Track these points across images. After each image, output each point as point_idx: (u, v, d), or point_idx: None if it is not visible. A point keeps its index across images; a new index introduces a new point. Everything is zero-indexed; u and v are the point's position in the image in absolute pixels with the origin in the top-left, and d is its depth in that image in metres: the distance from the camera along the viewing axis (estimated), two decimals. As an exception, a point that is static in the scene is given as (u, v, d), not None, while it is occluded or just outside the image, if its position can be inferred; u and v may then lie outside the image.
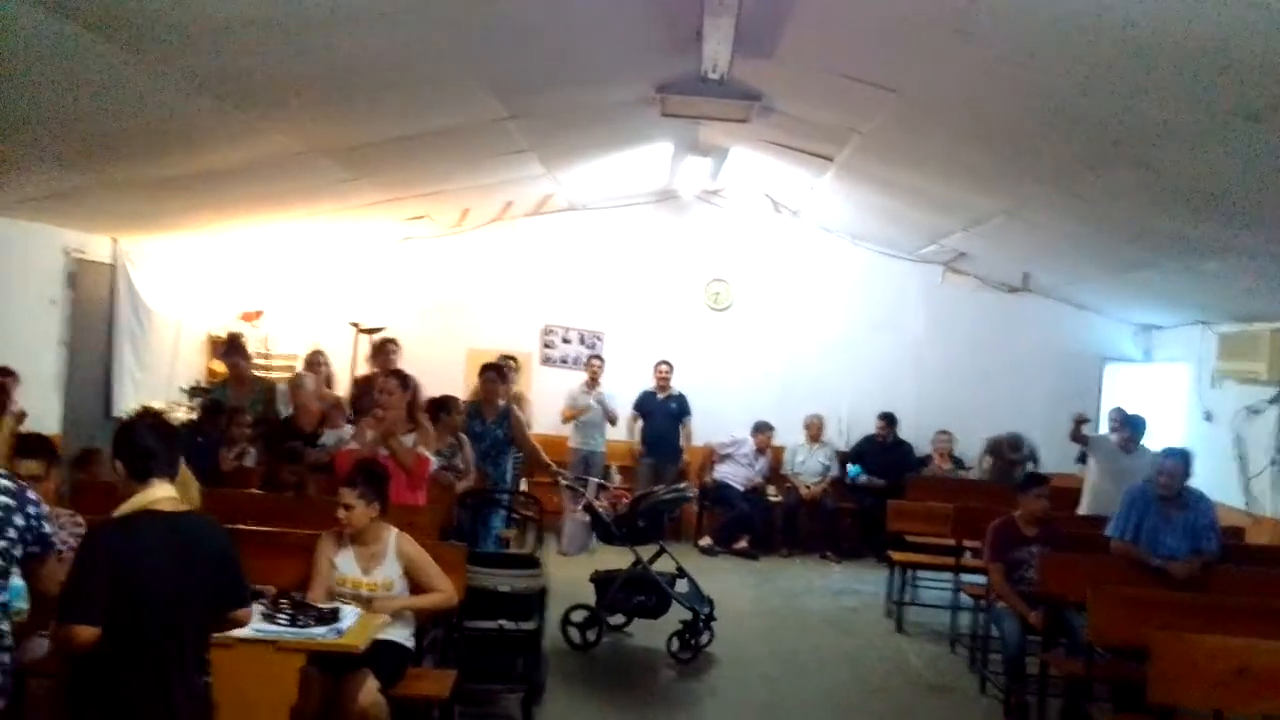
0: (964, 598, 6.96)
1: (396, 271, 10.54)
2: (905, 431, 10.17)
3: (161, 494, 3.03)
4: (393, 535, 4.38)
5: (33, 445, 4.47)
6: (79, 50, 3.79)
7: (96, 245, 8.14)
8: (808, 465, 10.13)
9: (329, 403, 7.54)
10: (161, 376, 9.02)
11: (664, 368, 9.98)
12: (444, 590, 4.40)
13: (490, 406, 7.25)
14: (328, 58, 4.60)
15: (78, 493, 5.20)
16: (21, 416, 6.51)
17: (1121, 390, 9.96)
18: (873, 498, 9.44)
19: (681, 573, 6.74)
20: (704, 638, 6.56)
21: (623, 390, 10.04)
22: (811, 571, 9.39)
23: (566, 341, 10.66)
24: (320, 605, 3.87)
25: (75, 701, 3.04)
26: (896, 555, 7.66)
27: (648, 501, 6.84)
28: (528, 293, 10.63)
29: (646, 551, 6.63)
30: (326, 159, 6.50)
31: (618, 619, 6.80)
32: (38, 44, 3.68)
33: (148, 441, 3.07)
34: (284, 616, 3.65)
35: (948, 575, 7.27)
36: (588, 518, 6.74)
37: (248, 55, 4.32)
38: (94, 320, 8.17)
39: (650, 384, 10.06)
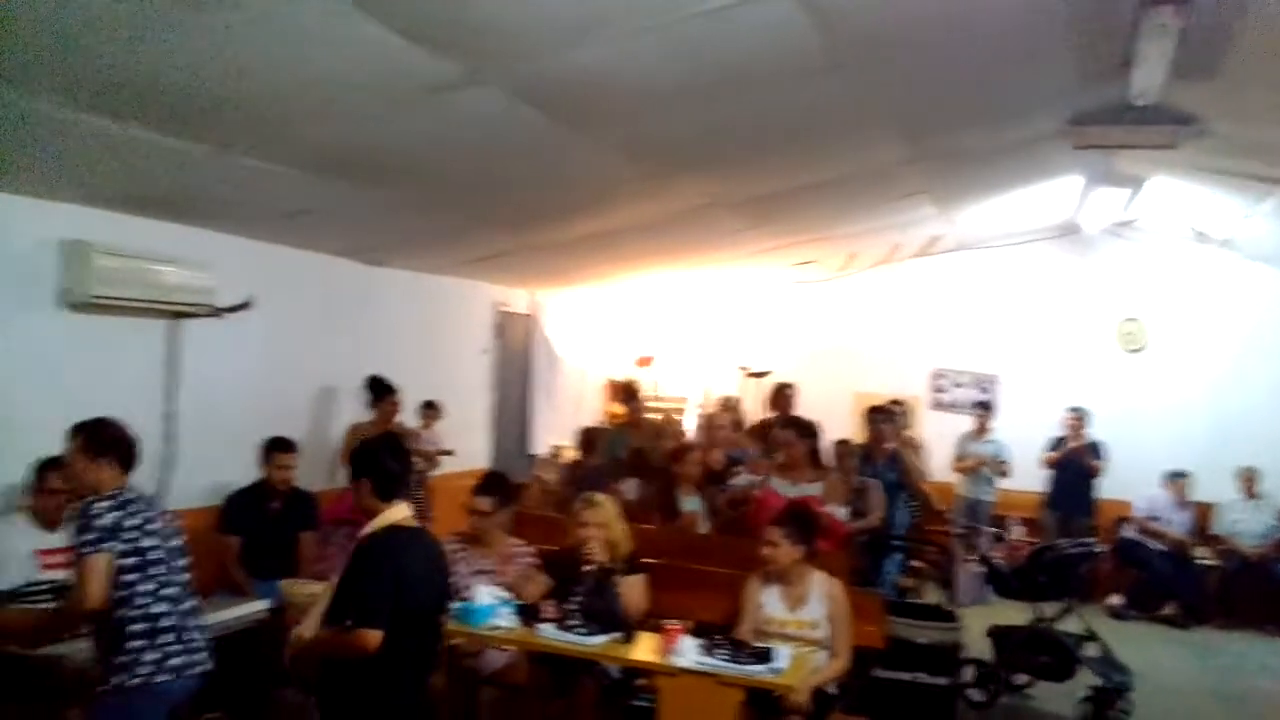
0: None
1: (782, 316, 10.72)
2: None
3: (405, 512, 3.36)
4: (817, 576, 4.39)
5: (487, 483, 4.90)
6: (538, 131, 4.24)
7: (517, 298, 9.06)
8: (1245, 524, 8.91)
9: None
10: (567, 418, 9.81)
11: (1074, 417, 9.24)
12: (843, 657, 4.32)
13: (880, 450, 7.14)
14: (737, 117, 4.77)
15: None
16: (442, 454, 7.20)
17: None
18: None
19: (1092, 635, 6.18)
20: (1118, 711, 5.93)
21: (1020, 437, 9.44)
22: (1257, 648, 8.17)
23: (958, 385, 10.26)
24: (754, 644, 3.95)
25: (334, 704, 3.30)
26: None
27: (1051, 555, 6.37)
28: (915, 335, 10.38)
29: (1050, 609, 6.15)
30: (726, 211, 6.76)
31: (1019, 678, 6.34)
32: (511, 131, 4.16)
33: (395, 466, 3.39)
34: (723, 652, 3.77)
35: None
36: (983, 569, 6.40)
37: (663, 121, 4.59)
38: (514, 367, 9.07)
39: (1063, 431, 9.26)
